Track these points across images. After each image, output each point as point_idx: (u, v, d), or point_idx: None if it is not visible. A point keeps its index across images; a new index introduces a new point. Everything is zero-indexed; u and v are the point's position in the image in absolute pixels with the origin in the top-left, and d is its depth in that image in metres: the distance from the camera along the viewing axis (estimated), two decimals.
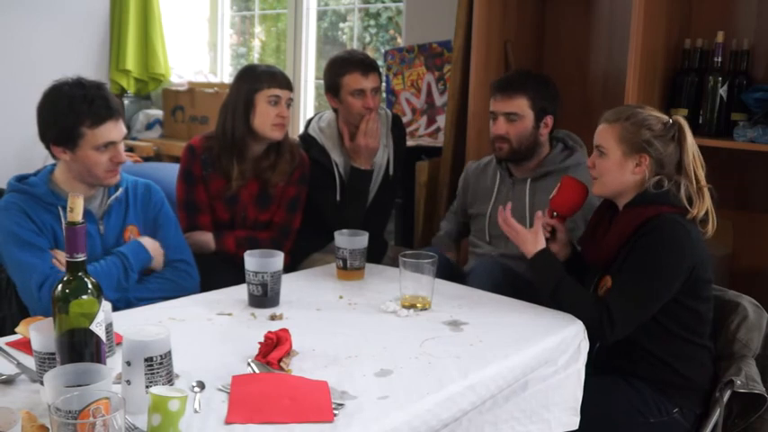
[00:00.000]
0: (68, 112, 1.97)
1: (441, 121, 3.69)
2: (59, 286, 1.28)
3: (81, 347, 1.27)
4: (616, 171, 1.99)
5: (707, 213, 1.95)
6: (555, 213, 2.13)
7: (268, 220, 2.59)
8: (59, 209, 2.00)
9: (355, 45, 4.56)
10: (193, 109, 4.51)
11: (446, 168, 3.19)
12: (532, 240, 2.06)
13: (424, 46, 3.80)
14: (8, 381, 1.42)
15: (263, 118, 2.47)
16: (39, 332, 1.36)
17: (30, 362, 1.43)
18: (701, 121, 2.69)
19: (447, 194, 3.14)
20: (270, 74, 2.50)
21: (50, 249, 2.01)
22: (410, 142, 3.25)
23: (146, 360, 1.31)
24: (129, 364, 1.31)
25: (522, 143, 2.48)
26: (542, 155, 2.55)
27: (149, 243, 2.15)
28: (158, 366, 1.32)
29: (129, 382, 1.31)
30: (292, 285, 2.08)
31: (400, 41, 4.13)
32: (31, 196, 2.03)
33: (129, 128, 4.60)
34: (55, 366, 1.27)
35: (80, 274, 1.29)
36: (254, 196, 2.55)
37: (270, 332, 1.59)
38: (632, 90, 2.62)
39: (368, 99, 2.63)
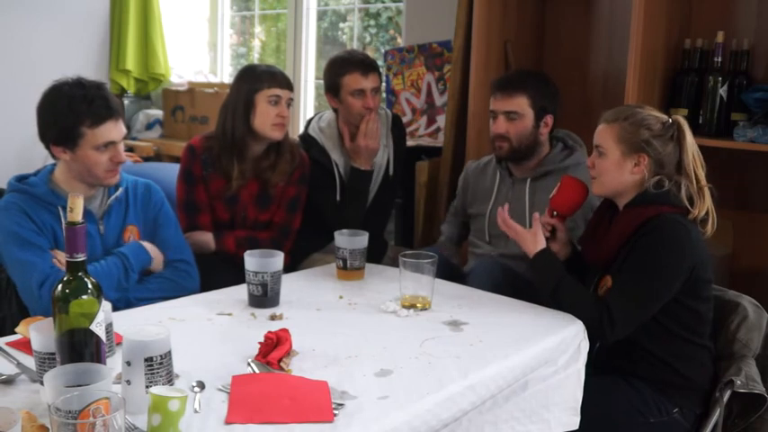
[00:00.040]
0: (68, 111, 1.98)
1: (441, 121, 3.69)
2: (59, 286, 1.28)
3: (81, 347, 1.27)
4: (615, 171, 1.99)
5: (707, 213, 1.95)
6: (555, 213, 2.13)
7: (268, 220, 2.59)
8: (59, 209, 2.00)
9: (355, 45, 4.56)
10: (193, 109, 4.51)
11: (446, 168, 3.19)
12: (532, 240, 2.06)
13: (424, 46, 3.80)
14: (8, 381, 1.42)
15: (264, 118, 2.47)
16: (39, 332, 1.36)
17: (30, 362, 1.43)
18: (700, 121, 2.69)
19: (447, 194, 3.14)
20: (270, 74, 2.50)
21: (50, 250, 2.01)
22: (410, 142, 3.25)
23: (146, 360, 1.31)
24: (129, 364, 1.31)
25: (522, 142, 2.48)
26: (542, 154, 2.55)
27: (149, 245, 2.15)
28: (158, 366, 1.32)
29: (129, 382, 1.31)
30: (292, 285, 2.08)
31: (400, 41, 4.13)
32: (31, 196, 2.03)
33: (129, 128, 4.60)
34: (55, 366, 1.27)
35: (80, 274, 1.29)
36: (254, 196, 2.55)
37: (270, 332, 1.59)
38: (632, 90, 2.62)
39: (368, 99, 2.63)
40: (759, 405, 1.94)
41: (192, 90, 4.57)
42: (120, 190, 2.14)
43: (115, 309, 1.61)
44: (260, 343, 1.58)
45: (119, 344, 1.49)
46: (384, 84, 3.34)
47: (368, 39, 4.72)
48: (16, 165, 3.13)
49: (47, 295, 1.90)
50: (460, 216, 2.78)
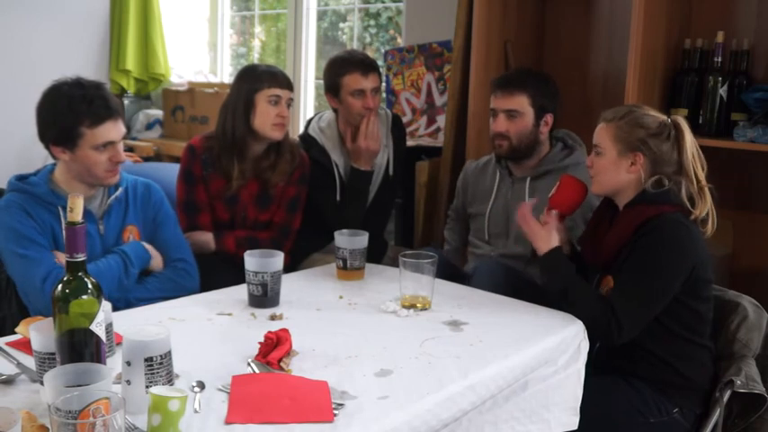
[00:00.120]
0: (67, 111, 1.97)
1: (441, 121, 3.69)
2: (59, 286, 1.28)
3: (81, 347, 1.27)
4: (612, 170, 2.00)
5: (707, 213, 1.95)
6: (554, 211, 2.13)
7: (268, 220, 2.59)
8: (59, 208, 2.00)
9: (355, 45, 4.56)
10: (193, 109, 4.51)
11: (446, 168, 3.19)
12: (546, 238, 2.05)
13: (424, 46, 3.80)
14: (8, 381, 1.42)
15: (264, 118, 2.47)
16: (39, 332, 1.36)
17: (30, 362, 1.43)
18: (700, 121, 2.69)
19: (447, 194, 3.14)
20: (270, 74, 2.50)
21: (51, 250, 2.01)
22: (410, 142, 3.25)
23: (146, 360, 1.31)
24: (129, 364, 1.31)
25: (522, 141, 2.48)
26: (542, 153, 2.55)
27: (148, 246, 2.15)
28: (158, 366, 1.32)
29: (129, 382, 1.31)
30: (292, 285, 2.08)
31: (400, 41, 4.13)
32: (31, 195, 2.03)
33: (129, 128, 4.61)
34: (55, 366, 1.27)
35: (80, 274, 1.29)
36: (254, 196, 2.55)
37: (270, 332, 1.59)
38: (632, 90, 2.62)
39: (368, 99, 2.63)
40: (759, 405, 1.94)
41: (192, 90, 4.57)
42: (120, 190, 2.14)
43: (115, 309, 1.61)
44: (260, 343, 1.58)
45: (119, 344, 1.49)
46: (384, 84, 3.34)
47: (368, 39, 4.72)
48: (16, 165, 3.13)
49: (50, 289, 1.90)
50: (461, 218, 2.77)
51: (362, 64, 2.64)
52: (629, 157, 1.97)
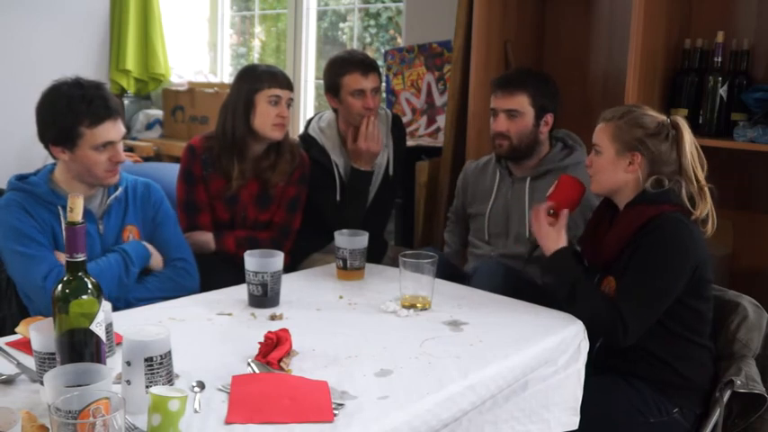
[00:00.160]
0: (67, 111, 1.97)
1: (441, 121, 3.69)
2: (59, 286, 1.28)
3: (81, 347, 1.27)
4: (610, 169, 2.00)
5: (707, 213, 1.95)
6: (552, 210, 2.13)
7: (268, 220, 2.59)
8: (59, 208, 2.00)
9: (355, 45, 4.56)
10: (193, 109, 4.51)
11: (446, 168, 3.19)
12: (555, 238, 2.04)
13: (424, 46, 3.80)
14: (8, 381, 1.42)
15: (264, 118, 2.47)
16: (39, 332, 1.36)
17: (30, 362, 1.43)
18: (700, 121, 2.69)
19: (447, 194, 3.14)
20: (270, 74, 2.50)
21: (51, 250, 2.01)
22: (410, 142, 3.25)
23: (146, 360, 1.31)
24: (129, 364, 1.31)
25: (523, 140, 2.48)
26: (542, 153, 2.55)
27: (148, 245, 2.15)
28: (158, 366, 1.32)
29: (129, 382, 1.31)
30: (292, 285, 2.08)
31: (400, 41, 4.13)
32: (31, 195, 2.03)
33: (128, 128, 4.61)
34: (55, 366, 1.27)
35: (80, 274, 1.29)
36: (254, 196, 2.55)
37: (270, 332, 1.59)
38: (632, 90, 2.62)
39: (368, 99, 2.63)
40: (759, 405, 1.94)
41: (192, 90, 4.57)
42: (120, 189, 2.14)
43: (115, 309, 1.61)
44: (260, 343, 1.58)
45: (119, 344, 1.49)
46: (384, 84, 3.34)
47: (368, 39, 4.72)
48: (16, 165, 3.12)
49: (51, 287, 1.90)
50: (461, 220, 2.77)
51: (362, 64, 2.64)
52: (626, 157, 1.98)
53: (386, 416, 1.35)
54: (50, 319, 1.31)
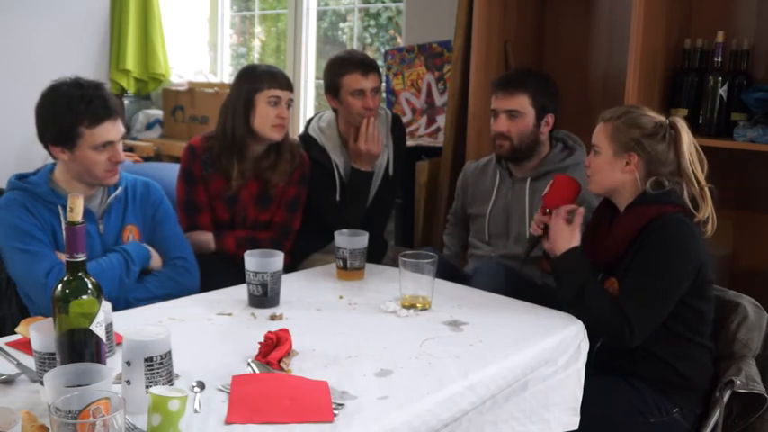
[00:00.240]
0: (66, 111, 1.97)
1: (441, 121, 3.69)
2: (59, 286, 1.28)
3: (81, 347, 1.27)
4: (607, 169, 2.00)
5: (708, 214, 1.95)
6: (547, 210, 2.12)
7: (268, 220, 2.59)
8: (59, 208, 2.00)
9: (355, 45, 4.56)
10: (193, 109, 4.51)
11: (446, 168, 3.19)
12: (568, 237, 2.01)
13: (424, 46, 3.80)
14: (8, 381, 1.42)
15: (263, 119, 2.47)
16: (39, 332, 1.36)
17: (30, 362, 1.43)
18: (701, 121, 2.69)
19: (447, 194, 3.14)
20: (270, 74, 2.50)
21: (52, 249, 2.01)
22: (410, 142, 3.25)
23: (146, 360, 1.31)
24: (129, 364, 1.31)
25: (523, 141, 2.48)
26: (542, 154, 2.55)
27: (148, 246, 2.15)
28: (158, 366, 1.32)
29: (129, 382, 1.31)
30: (292, 285, 2.08)
31: (400, 41, 4.13)
32: (31, 194, 2.03)
33: (128, 128, 4.61)
34: (55, 366, 1.27)
35: (80, 274, 1.29)
36: (254, 196, 2.55)
37: (270, 332, 1.59)
38: (632, 90, 2.62)
39: (367, 99, 2.63)
40: (759, 405, 1.94)
41: (192, 90, 4.57)
42: (120, 189, 2.14)
43: (115, 309, 1.61)
44: (260, 343, 1.58)
45: (119, 344, 1.49)
46: (384, 84, 3.34)
47: (368, 39, 4.72)
48: (16, 164, 3.12)
49: (53, 283, 1.90)
50: (461, 221, 2.77)
51: (362, 64, 2.64)
52: (623, 158, 1.98)
53: (386, 416, 1.35)
54: (50, 319, 1.31)
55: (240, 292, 1.98)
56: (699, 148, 2.00)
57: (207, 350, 1.63)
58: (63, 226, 1.92)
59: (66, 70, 2.10)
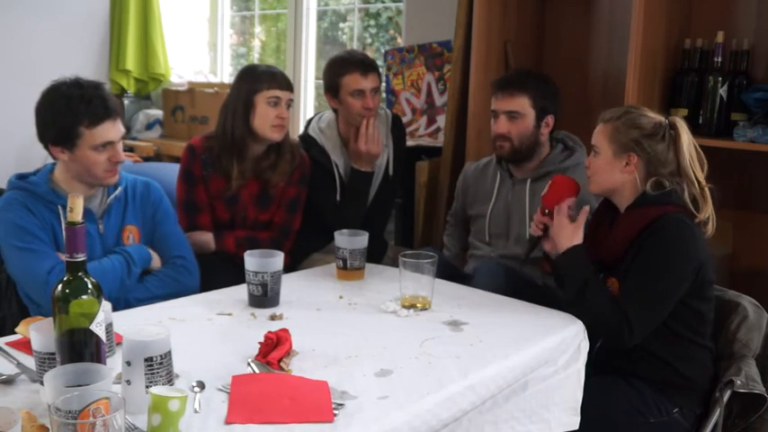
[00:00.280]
0: (66, 111, 1.97)
1: (441, 121, 3.69)
2: (59, 286, 1.28)
3: (81, 347, 1.27)
4: (607, 170, 2.00)
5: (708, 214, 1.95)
6: (546, 211, 2.12)
7: (268, 220, 2.59)
8: (59, 207, 2.00)
9: (355, 45, 4.56)
10: (193, 109, 4.51)
11: (446, 168, 3.19)
12: (570, 234, 2.01)
13: (424, 46, 3.80)
14: (8, 381, 1.42)
15: (263, 119, 2.47)
16: (39, 332, 1.36)
17: (30, 362, 1.43)
18: (701, 121, 2.69)
19: (447, 194, 3.14)
20: (270, 74, 2.50)
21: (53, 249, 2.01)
22: (410, 142, 3.25)
23: (146, 360, 1.31)
24: (129, 364, 1.31)
25: (524, 142, 2.48)
26: (542, 155, 2.55)
27: (149, 248, 2.16)
28: (158, 366, 1.32)
29: (129, 382, 1.31)
30: (292, 285, 2.08)
31: (400, 41, 4.13)
32: (32, 194, 2.03)
33: (128, 128, 4.61)
34: (55, 366, 1.27)
35: (80, 274, 1.29)
36: (254, 196, 2.55)
37: (270, 332, 1.59)
38: (632, 90, 2.62)
39: (367, 99, 2.63)
40: (759, 405, 1.94)
41: (192, 90, 4.57)
42: (120, 189, 2.14)
43: (115, 309, 1.61)
44: (260, 343, 1.58)
45: (119, 344, 1.49)
46: (384, 84, 3.34)
47: (368, 39, 4.72)
48: (16, 165, 3.13)
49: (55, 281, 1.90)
50: (460, 222, 2.77)
51: (362, 64, 2.64)
52: (623, 158, 1.98)
53: (386, 416, 1.35)
54: (50, 319, 1.31)
55: (240, 292, 1.98)
56: (699, 148, 2.00)
57: (207, 350, 1.63)
58: (63, 226, 1.92)
59: (66, 70, 2.10)
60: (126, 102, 4.81)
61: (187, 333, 1.70)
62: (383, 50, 4.18)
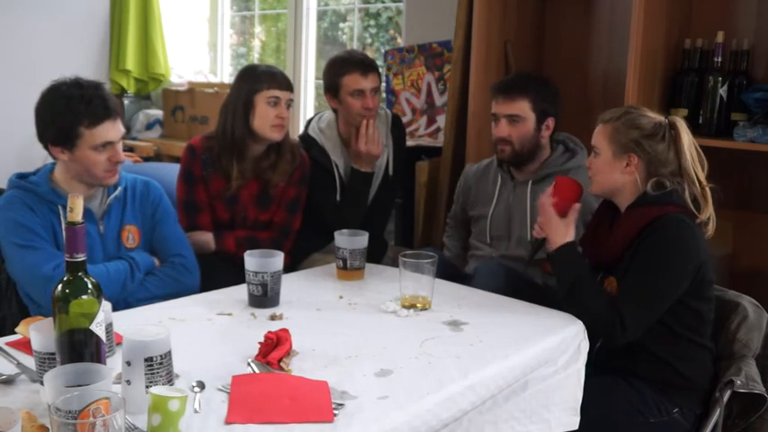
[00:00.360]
0: (66, 111, 1.97)
1: (441, 121, 3.69)
2: (59, 286, 1.28)
3: (81, 347, 1.27)
4: (607, 171, 2.00)
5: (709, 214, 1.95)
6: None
7: (268, 221, 2.59)
8: (60, 207, 2.00)
9: (355, 45, 4.56)
10: (193, 109, 4.51)
11: (446, 168, 3.19)
12: (563, 231, 2.03)
13: (424, 46, 3.80)
14: (8, 381, 1.42)
15: (263, 119, 2.47)
16: (39, 332, 1.36)
17: (30, 362, 1.43)
18: (701, 121, 2.69)
19: (447, 194, 3.14)
20: (270, 74, 2.50)
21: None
22: (410, 142, 3.25)
23: (146, 360, 1.31)
24: (129, 364, 1.31)
25: (525, 145, 2.48)
26: (543, 157, 2.55)
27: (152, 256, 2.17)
28: (158, 366, 1.32)
29: (129, 382, 1.31)
30: (292, 285, 2.08)
31: (400, 41, 4.13)
32: (33, 193, 2.03)
33: (128, 128, 4.61)
34: (55, 366, 1.27)
35: (80, 274, 1.29)
36: (254, 196, 2.55)
37: (270, 332, 1.59)
38: (632, 90, 2.62)
39: (367, 99, 2.63)
40: (759, 405, 1.94)
41: (192, 90, 4.57)
42: (119, 189, 2.14)
43: (115, 309, 1.61)
44: (260, 343, 1.58)
45: (119, 344, 1.49)
46: (384, 84, 3.34)
47: (368, 39, 4.72)
48: (16, 165, 3.11)
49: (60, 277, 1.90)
50: (460, 224, 2.77)
51: (362, 64, 2.64)
52: (623, 159, 1.98)
53: (386, 416, 1.35)
54: (50, 319, 1.31)
55: (240, 292, 1.98)
56: (698, 148, 2.00)
57: (207, 350, 1.63)
58: (63, 226, 1.92)
59: (66, 70, 2.10)
60: (126, 102, 4.81)
61: (187, 333, 1.70)
62: (383, 50, 4.18)
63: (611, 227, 2.05)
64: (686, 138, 1.96)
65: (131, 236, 2.14)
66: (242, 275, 1.94)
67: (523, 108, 2.46)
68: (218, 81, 5.01)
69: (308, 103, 4.69)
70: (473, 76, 3.03)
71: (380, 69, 2.73)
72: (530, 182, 2.53)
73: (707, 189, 1.95)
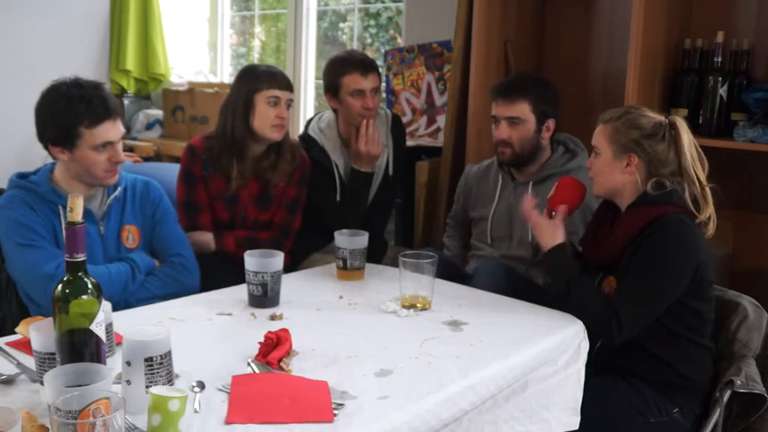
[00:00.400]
0: (66, 111, 1.97)
1: (441, 121, 3.69)
2: (59, 286, 1.28)
3: (81, 347, 1.27)
4: (608, 171, 2.00)
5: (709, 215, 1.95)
6: (553, 213, 2.13)
7: (268, 221, 2.59)
8: (60, 207, 2.00)
9: (355, 45, 4.56)
10: (193, 109, 4.51)
11: (446, 168, 3.19)
12: (552, 233, 2.04)
13: (424, 46, 3.80)
14: (8, 381, 1.42)
15: (263, 119, 2.47)
16: (39, 332, 1.36)
17: (30, 362, 1.43)
18: (701, 121, 2.69)
19: (447, 194, 3.14)
20: (270, 74, 2.50)
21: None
22: (410, 142, 3.25)
23: (146, 360, 1.31)
24: (129, 364, 1.31)
25: (525, 147, 2.48)
26: (544, 158, 2.55)
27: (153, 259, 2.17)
28: (158, 366, 1.32)
29: (129, 382, 1.31)
30: (292, 285, 2.08)
31: (400, 41, 4.13)
32: (33, 193, 2.03)
33: (128, 128, 4.61)
34: (55, 366, 1.27)
35: (80, 274, 1.29)
36: (254, 196, 2.55)
37: (270, 332, 1.59)
38: (632, 90, 2.62)
39: (367, 99, 2.63)
40: (759, 405, 1.94)
41: (192, 90, 4.57)
42: (119, 189, 2.14)
43: (115, 309, 1.61)
44: (260, 343, 1.58)
45: (119, 344, 1.49)
46: (384, 84, 3.34)
47: (368, 39, 4.72)
48: (16, 165, 3.11)
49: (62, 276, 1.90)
50: (461, 224, 2.77)
51: (362, 64, 2.64)
52: (623, 159, 1.98)
53: (386, 416, 1.35)
54: (50, 319, 1.31)
55: (240, 292, 1.98)
56: (698, 148, 2.00)
57: (207, 350, 1.63)
58: (63, 226, 1.92)
59: (66, 70, 2.10)
60: (126, 102, 4.81)
61: (187, 333, 1.70)
62: (383, 50, 4.19)
63: (611, 226, 2.05)
64: (686, 138, 1.96)
65: (131, 236, 2.14)
66: (242, 275, 1.94)
67: (523, 110, 2.46)
68: (218, 81, 5.01)
69: (308, 103, 4.69)
70: (473, 76, 3.03)
71: (380, 69, 2.73)
72: (530, 183, 2.53)
73: (707, 189, 1.95)
